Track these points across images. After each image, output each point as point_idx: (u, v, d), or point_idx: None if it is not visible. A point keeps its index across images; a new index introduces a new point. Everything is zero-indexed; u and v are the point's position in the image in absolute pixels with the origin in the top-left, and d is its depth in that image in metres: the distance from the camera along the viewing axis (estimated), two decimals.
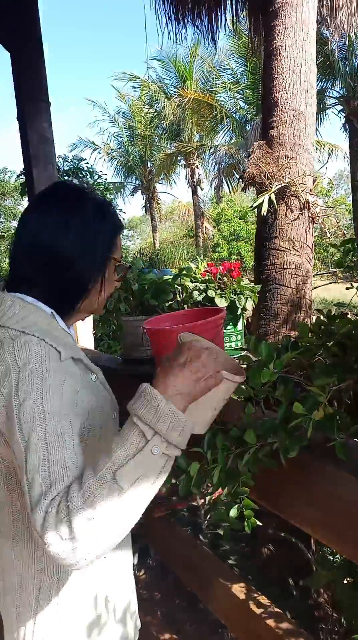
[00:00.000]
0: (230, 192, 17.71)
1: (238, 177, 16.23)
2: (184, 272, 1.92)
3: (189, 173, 18.76)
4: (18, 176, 6.23)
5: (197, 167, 18.55)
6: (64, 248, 0.90)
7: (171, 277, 2.00)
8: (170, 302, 1.89)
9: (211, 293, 1.79)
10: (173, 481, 1.89)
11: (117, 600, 1.00)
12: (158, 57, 15.74)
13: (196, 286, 1.95)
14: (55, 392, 0.79)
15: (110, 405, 1.03)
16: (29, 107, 2.61)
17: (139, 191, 22.44)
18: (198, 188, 19.14)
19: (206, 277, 1.95)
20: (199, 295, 1.87)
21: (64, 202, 0.93)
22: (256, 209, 2.44)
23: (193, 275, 1.96)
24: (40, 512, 0.68)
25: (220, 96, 14.93)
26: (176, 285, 1.90)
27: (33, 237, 0.91)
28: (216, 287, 1.82)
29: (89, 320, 4.31)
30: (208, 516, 1.93)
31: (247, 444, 0.88)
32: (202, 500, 1.90)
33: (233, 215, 21.01)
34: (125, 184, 21.82)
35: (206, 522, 1.90)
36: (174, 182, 21.72)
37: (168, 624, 2.00)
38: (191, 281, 1.96)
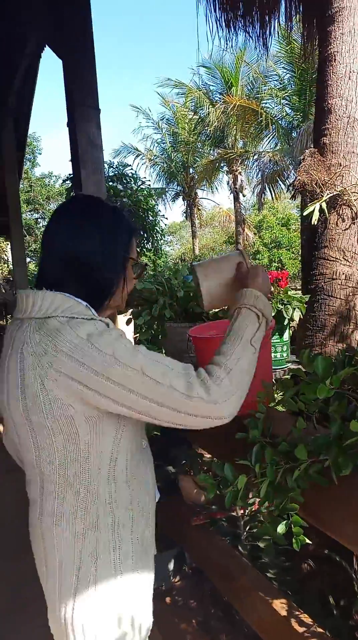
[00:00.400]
0: (272, 199, 17.53)
1: (281, 184, 16.09)
2: None
3: (232, 179, 18.71)
4: (64, 181, 6.36)
5: (240, 173, 18.47)
6: (88, 254, 0.98)
7: None
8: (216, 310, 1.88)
9: None
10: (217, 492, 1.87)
11: (145, 592, 1.06)
12: (204, 64, 15.83)
13: None
14: (121, 338, 0.91)
15: None
16: (79, 113, 2.67)
17: (181, 197, 22.56)
18: (240, 195, 19.07)
19: None
20: None
21: (83, 213, 1.03)
22: (302, 217, 2.39)
23: None
24: (199, 385, 0.88)
25: (266, 103, 14.85)
26: None
27: (60, 245, 0.99)
28: None
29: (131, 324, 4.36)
30: (247, 527, 1.90)
31: (297, 459, 0.86)
32: (242, 511, 1.87)
33: (275, 222, 20.80)
34: (167, 189, 21.97)
35: (245, 533, 1.87)
36: (216, 188, 21.70)
37: (204, 633, 1.97)
38: None
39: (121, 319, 3.13)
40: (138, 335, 5.19)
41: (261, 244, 20.64)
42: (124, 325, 2.19)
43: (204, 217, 27.18)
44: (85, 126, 2.68)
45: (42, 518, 0.95)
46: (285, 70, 14.11)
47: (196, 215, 22.62)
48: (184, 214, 23.24)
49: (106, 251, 1.00)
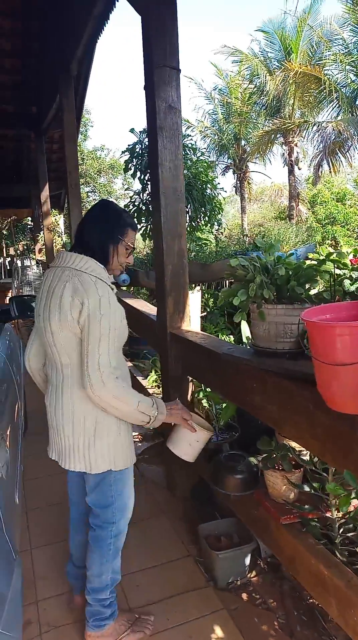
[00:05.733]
0: (330, 172, 16.70)
1: (340, 156, 15.28)
2: (333, 257, 1.71)
3: (288, 151, 17.93)
4: (123, 152, 6.19)
5: (296, 145, 17.68)
6: (99, 230, 1.68)
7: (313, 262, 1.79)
8: (320, 290, 1.69)
9: None
10: (306, 488, 1.70)
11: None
12: (263, 29, 15.07)
13: (345, 274, 1.73)
14: (116, 312, 1.57)
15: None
16: (158, 74, 2.47)
17: (231, 170, 21.98)
18: (296, 168, 18.28)
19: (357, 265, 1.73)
20: (351, 284, 1.65)
21: (101, 210, 1.74)
22: None
23: (342, 262, 1.74)
24: (104, 372, 1.50)
25: (328, 69, 13.97)
26: (323, 272, 1.69)
27: (90, 227, 1.70)
28: None
29: (198, 306, 4.25)
30: (341, 530, 1.73)
31: None
32: (337, 512, 1.71)
33: (330, 197, 19.93)
34: (217, 162, 21.42)
35: (339, 536, 1.71)
36: (269, 161, 20.85)
37: (288, 638, 1.85)
38: (339, 268, 1.74)
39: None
40: (205, 313, 5.00)
41: (314, 220, 19.87)
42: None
43: (254, 191, 26.39)
44: (164, 89, 2.48)
45: (70, 389, 1.61)
46: (351, 34, 13.21)
47: (245, 190, 21.99)
48: (234, 188, 22.66)
49: (107, 233, 1.68)
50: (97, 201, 1.86)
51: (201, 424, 1.87)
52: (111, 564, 1.76)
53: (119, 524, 1.74)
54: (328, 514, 1.73)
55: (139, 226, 6.30)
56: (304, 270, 1.70)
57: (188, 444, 1.83)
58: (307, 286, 1.72)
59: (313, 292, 1.73)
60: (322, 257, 1.77)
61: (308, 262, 1.81)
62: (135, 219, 6.22)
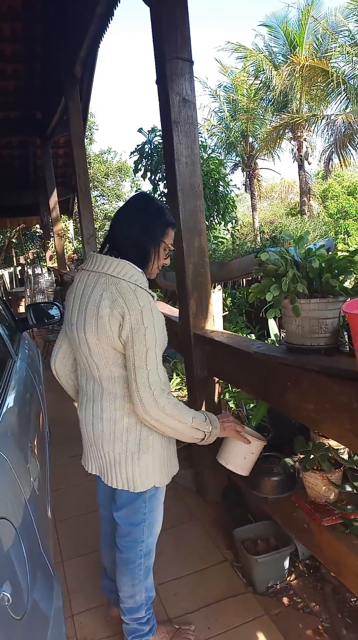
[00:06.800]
0: (341, 165, 16.46)
1: (351, 149, 15.07)
2: None
3: (297, 147, 17.75)
4: (132, 153, 6.15)
5: (305, 139, 17.48)
6: (140, 232, 1.47)
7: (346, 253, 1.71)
8: (353, 282, 1.61)
9: None
10: (348, 488, 1.62)
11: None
12: (266, 23, 14.94)
13: None
14: (159, 322, 1.42)
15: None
16: (170, 67, 2.40)
17: (240, 168, 21.85)
18: (306, 162, 18.08)
19: None
20: None
21: (138, 206, 1.52)
22: None
23: None
24: (155, 389, 1.36)
25: (334, 62, 13.76)
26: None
27: (127, 226, 1.48)
28: None
29: (220, 305, 4.17)
30: None
31: None
32: None
33: (341, 191, 19.67)
34: (225, 161, 21.31)
35: None
36: (278, 157, 20.67)
37: None
38: None
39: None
40: (226, 312, 4.94)
41: (326, 215, 19.64)
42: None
43: (263, 188, 26.24)
44: (177, 81, 2.42)
45: (113, 403, 1.47)
46: (357, 25, 13.01)
47: (255, 187, 21.85)
48: (244, 186, 22.53)
49: (148, 234, 1.48)
50: (135, 194, 1.62)
51: (251, 434, 1.74)
52: (143, 584, 1.65)
53: (148, 542, 1.62)
54: None
55: None
56: (337, 261, 1.62)
57: (243, 457, 1.69)
58: (341, 278, 1.64)
59: (346, 284, 1.66)
60: (352, 249, 1.69)
61: (339, 253, 1.74)
62: None
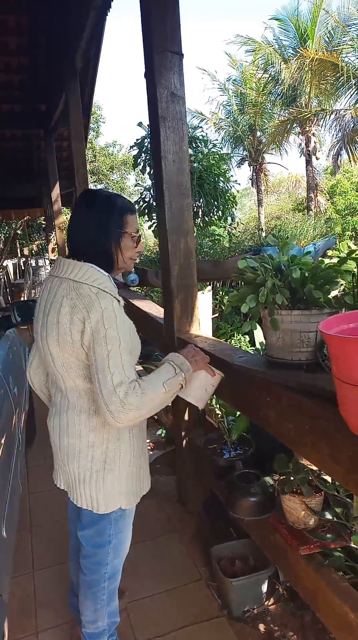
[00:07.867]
0: (349, 161, 16.17)
1: None
2: (355, 254, 1.51)
3: (305, 141, 17.46)
4: (131, 147, 6.02)
5: (313, 134, 17.20)
6: (91, 235, 1.40)
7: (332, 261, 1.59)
8: (341, 292, 1.49)
9: None
10: (328, 516, 1.50)
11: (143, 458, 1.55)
12: (277, 16, 14.66)
13: None
14: (124, 325, 1.33)
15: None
16: (158, 60, 2.28)
17: (247, 162, 21.59)
18: (313, 157, 17.79)
19: None
20: None
21: (83, 205, 1.44)
22: None
23: None
24: (121, 391, 1.24)
25: (345, 56, 13.45)
26: (345, 272, 1.49)
27: (76, 231, 1.43)
28: None
29: (208, 307, 4.04)
30: None
31: None
32: None
33: (349, 187, 19.33)
34: (232, 155, 21.04)
35: None
36: (286, 151, 20.37)
37: None
38: None
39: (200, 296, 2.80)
40: (216, 315, 4.80)
41: (333, 211, 19.35)
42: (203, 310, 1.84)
43: (270, 183, 25.96)
44: (166, 75, 2.29)
45: (78, 416, 1.41)
46: None
47: (262, 182, 21.59)
48: (250, 180, 22.27)
49: (103, 231, 1.40)
50: (80, 193, 1.54)
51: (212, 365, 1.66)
52: (105, 610, 1.56)
53: (113, 564, 1.53)
54: (353, 544, 1.54)
55: (149, 223, 6.10)
56: (322, 271, 1.50)
57: (204, 389, 1.59)
58: (326, 288, 1.52)
59: (333, 294, 1.53)
60: (342, 255, 1.57)
61: (326, 261, 1.62)
62: (146, 216, 6.03)
